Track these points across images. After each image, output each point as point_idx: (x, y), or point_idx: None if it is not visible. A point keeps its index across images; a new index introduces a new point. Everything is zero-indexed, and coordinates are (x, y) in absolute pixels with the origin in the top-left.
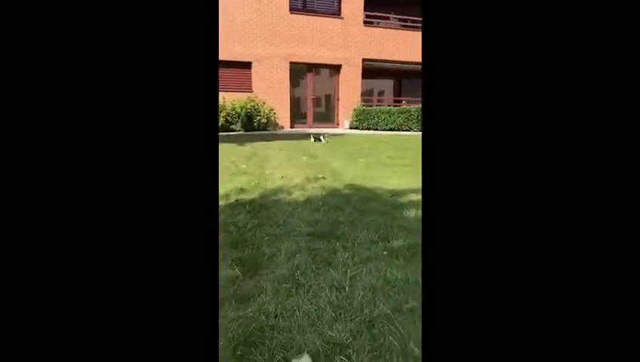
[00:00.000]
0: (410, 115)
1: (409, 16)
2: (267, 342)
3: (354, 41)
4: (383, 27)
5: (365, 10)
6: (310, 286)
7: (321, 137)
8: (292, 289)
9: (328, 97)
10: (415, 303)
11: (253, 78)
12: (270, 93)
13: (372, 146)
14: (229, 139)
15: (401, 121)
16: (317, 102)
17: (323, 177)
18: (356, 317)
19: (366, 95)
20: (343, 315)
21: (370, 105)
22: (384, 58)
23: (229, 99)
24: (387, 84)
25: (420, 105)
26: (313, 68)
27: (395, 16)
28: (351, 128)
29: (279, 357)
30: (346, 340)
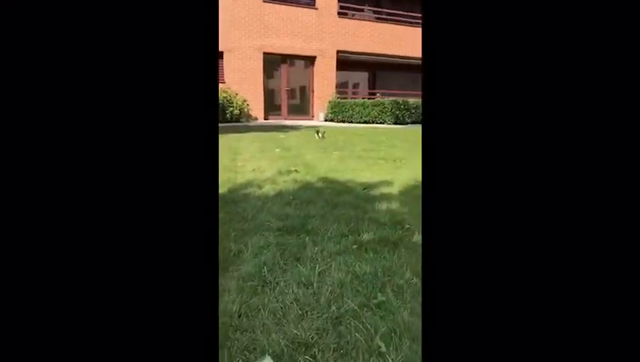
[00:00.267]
0: (385, 107)
1: (383, 8)
2: (228, 344)
3: (328, 33)
4: (358, 19)
5: (339, 1)
6: (277, 283)
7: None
8: (258, 287)
9: (303, 89)
10: (383, 298)
11: (225, 68)
12: (243, 84)
13: (346, 139)
14: None
15: (376, 113)
16: (291, 93)
17: (296, 170)
18: (323, 314)
19: (341, 87)
20: (309, 313)
21: (345, 98)
22: (359, 50)
23: None
24: (362, 77)
25: (394, 98)
26: (287, 59)
27: (369, 8)
28: (326, 120)
29: (241, 360)
30: (312, 339)
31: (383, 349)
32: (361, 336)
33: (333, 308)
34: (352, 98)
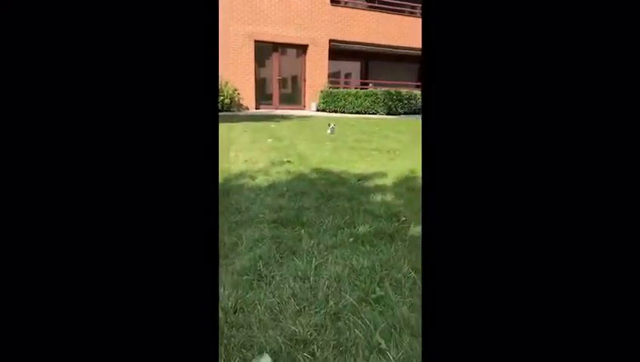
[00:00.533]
0: (377, 98)
1: None
2: (225, 341)
3: (321, 21)
4: (351, 7)
5: None
6: (273, 277)
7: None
8: (253, 281)
9: (295, 78)
10: (382, 292)
11: None
12: (234, 72)
13: (339, 129)
14: None
15: (368, 104)
16: (283, 83)
17: (289, 161)
18: (321, 309)
19: (333, 77)
20: (307, 308)
21: (338, 88)
22: (351, 39)
23: None
24: (354, 66)
25: (387, 89)
26: (279, 47)
27: None
28: (317, 110)
29: (238, 358)
30: (310, 335)
31: (383, 346)
32: (360, 332)
33: (331, 303)
34: (344, 88)
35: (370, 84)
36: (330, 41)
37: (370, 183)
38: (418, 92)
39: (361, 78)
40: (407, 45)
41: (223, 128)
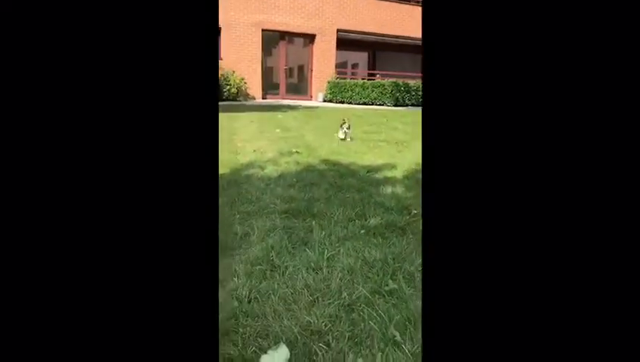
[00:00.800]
0: (385, 89)
1: None
2: (241, 330)
3: (329, 10)
4: None
5: None
6: (286, 267)
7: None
8: (267, 271)
9: (301, 68)
10: (395, 285)
11: (223, 45)
12: (241, 61)
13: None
14: None
15: (375, 95)
16: (290, 72)
17: (297, 151)
18: (335, 300)
19: (340, 67)
20: (320, 299)
21: (345, 78)
22: (359, 29)
23: None
24: (361, 57)
25: (394, 80)
26: (286, 36)
27: None
28: (324, 101)
29: (254, 346)
30: (325, 326)
31: (398, 338)
32: (375, 324)
33: (345, 294)
34: (350, 79)
35: (378, 75)
36: (338, 30)
37: (380, 175)
38: None
39: (368, 69)
40: (416, 36)
41: (231, 118)
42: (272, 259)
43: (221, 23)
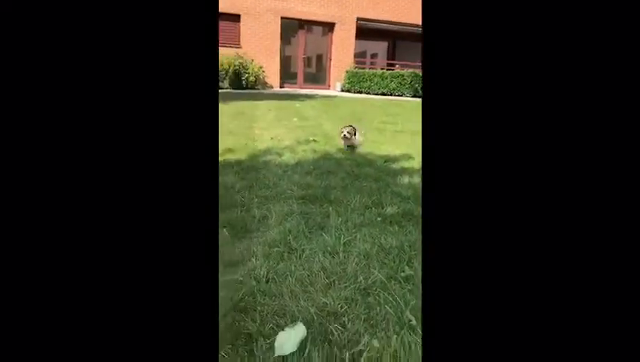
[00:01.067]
0: (404, 79)
1: None
2: (259, 308)
3: None
4: None
5: None
6: (303, 250)
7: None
8: (284, 253)
9: (320, 57)
10: (411, 271)
11: (242, 32)
12: (260, 50)
13: (365, 110)
14: None
15: (394, 85)
16: (308, 61)
17: (314, 140)
18: (351, 284)
19: (359, 57)
20: (337, 282)
21: (363, 68)
22: (379, 18)
23: None
24: (380, 47)
25: (414, 70)
26: (305, 25)
27: None
28: (342, 91)
29: (271, 324)
30: (341, 308)
31: (414, 322)
32: (390, 309)
33: (361, 278)
34: (369, 68)
35: (397, 65)
36: (358, 19)
37: (397, 165)
38: None
39: (387, 59)
40: None
41: (248, 106)
42: (290, 242)
43: (239, 10)
